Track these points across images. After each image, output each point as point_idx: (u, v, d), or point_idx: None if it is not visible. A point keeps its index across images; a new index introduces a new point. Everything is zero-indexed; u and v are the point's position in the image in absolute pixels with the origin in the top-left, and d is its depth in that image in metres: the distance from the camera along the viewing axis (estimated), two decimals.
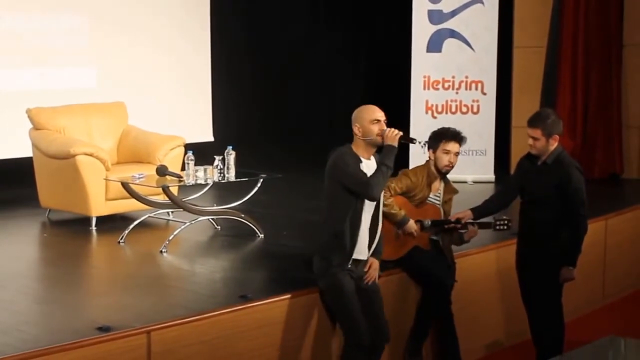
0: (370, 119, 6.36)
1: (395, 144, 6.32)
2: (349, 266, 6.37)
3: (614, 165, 12.01)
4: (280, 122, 13.10)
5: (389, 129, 6.34)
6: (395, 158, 6.34)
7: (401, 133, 6.35)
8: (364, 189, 6.24)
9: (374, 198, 6.32)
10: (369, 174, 6.29)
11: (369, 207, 6.40)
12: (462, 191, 7.69)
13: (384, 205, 6.88)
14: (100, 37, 11.43)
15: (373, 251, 6.54)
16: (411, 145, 11.22)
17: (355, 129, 6.39)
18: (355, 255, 6.39)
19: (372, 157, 6.45)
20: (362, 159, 6.36)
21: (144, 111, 10.79)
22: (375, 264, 6.55)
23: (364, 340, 6.32)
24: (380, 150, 6.42)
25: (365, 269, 6.51)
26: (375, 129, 6.34)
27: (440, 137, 7.13)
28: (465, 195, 8.15)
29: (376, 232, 6.50)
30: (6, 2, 10.70)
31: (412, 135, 11.03)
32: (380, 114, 6.40)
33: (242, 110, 13.08)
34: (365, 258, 6.50)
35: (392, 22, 13.35)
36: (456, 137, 7.12)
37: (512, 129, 11.96)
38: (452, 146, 7.10)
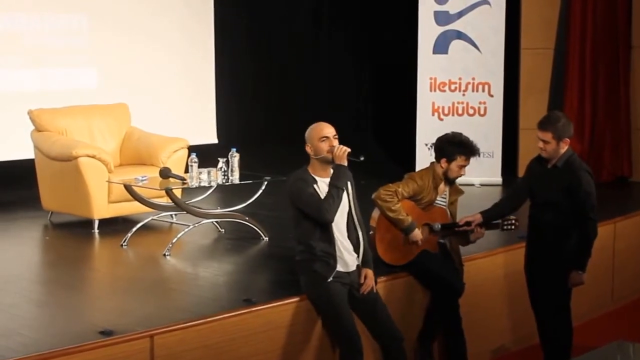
0: (319, 136, 6.37)
1: (345, 162, 6.35)
2: (332, 278, 6.36)
3: (622, 168, 11.94)
4: (284, 123, 13.05)
5: (337, 146, 6.34)
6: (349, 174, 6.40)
7: (349, 150, 6.34)
8: (317, 213, 6.28)
9: (329, 221, 6.32)
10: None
11: (339, 220, 6.42)
12: (469, 194, 7.65)
13: (392, 211, 6.90)
14: (101, 37, 11.39)
15: (363, 261, 6.54)
16: (417, 146, 11.42)
17: (307, 149, 6.43)
18: (340, 268, 6.40)
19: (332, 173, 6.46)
20: (318, 179, 6.39)
21: (147, 112, 10.71)
22: (370, 274, 6.54)
23: (357, 347, 6.27)
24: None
25: (361, 281, 6.50)
26: (324, 146, 6.35)
27: (461, 151, 7.03)
28: (472, 198, 8.18)
29: (359, 242, 6.52)
30: (6, 2, 10.65)
31: (425, 141, 11.18)
32: (328, 131, 6.39)
33: (246, 112, 13.04)
34: (353, 269, 6.50)
35: (398, 23, 13.28)
36: (475, 153, 7.06)
37: (520, 131, 11.95)
38: (468, 161, 7.06)
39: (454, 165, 7.02)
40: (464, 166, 7.05)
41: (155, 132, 9.76)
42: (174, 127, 10.74)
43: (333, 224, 6.37)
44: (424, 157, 11.16)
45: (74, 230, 8.94)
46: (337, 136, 6.39)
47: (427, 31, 11.62)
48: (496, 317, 7.95)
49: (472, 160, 7.15)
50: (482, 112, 11.66)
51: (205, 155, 8.65)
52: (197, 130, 11.93)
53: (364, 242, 6.55)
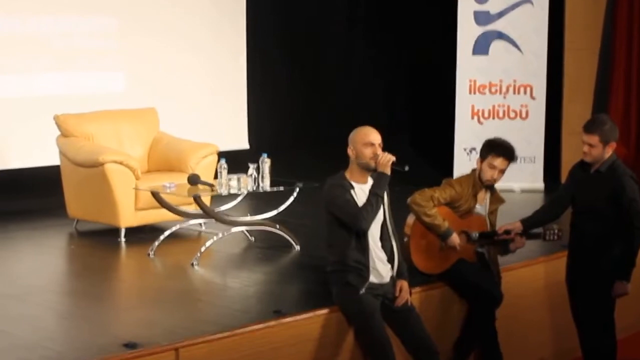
0: (364, 141, 6.29)
1: (388, 171, 6.30)
2: (364, 290, 6.27)
3: None
4: (318, 128, 12.89)
5: (382, 153, 6.27)
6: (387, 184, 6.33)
7: (394, 158, 6.28)
8: (353, 220, 6.20)
9: (364, 229, 6.24)
10: (364, 199, 6.25)
11: (373, 230, 6.34)
12: (509, 200, 7.53)
13: (427, 215, 6.82)
14: (130, 40, 11.27)
15: (397, 273, 6.44)
16: (456, 151, 11.21)
17: (349, 151, 6.35)
18: (373, 279, 6.31)
19: (370, 180, 6.38)
20: (355, 184, 6.31)
21: (177, 117, 10.63)
22: (406, 286, 6.43)
23: None
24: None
25: (396, 293, 6.39)
26: (368, 152, 6.27)
27: (491, 149, 6.94)
28: (512, 204, 8.04)
29: (393, 253, 6.43)
30: (33, 5, 10.54)
31: (464, 145, 11.00)
32: (374, 137, 6.31)
33: (278, 117, 12.91)
34: (387, 280, 6.40)
35: (436, 23, 13.08)
36: (506, 153, 6.92)
37: (563, 135, 11.67)
38: (500, 162, 6.92)
39: (485, 165, 6.93)
40: (496, 167, 6.89)
41: (186, 137, 9.65)
42: (205, 132, 10.64)
43: (367, 236, 6.29)
44: (462, 162, 11.00)
45: (100, 239, 8.84)
46: (382, 145, 6.31)
47: (467, 31, 11.44)
48: (536, 329, 7.79)
49: (513, 165, 7.05)
50: (523, 115, 11.45)
51: (237, 161, 8.59)
52: (228, 135, 11.80)
53: (398, 253, 6.45)
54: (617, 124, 6.99)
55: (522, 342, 7.56)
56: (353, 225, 6.20)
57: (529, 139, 11.22)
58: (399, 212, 6.79)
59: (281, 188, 8.30)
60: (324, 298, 6.48)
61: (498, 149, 6.90)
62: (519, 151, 7.12)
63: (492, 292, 6.91)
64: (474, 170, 7.04)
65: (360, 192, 6.28)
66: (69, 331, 6.37)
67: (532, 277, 7.75)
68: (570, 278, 6.97)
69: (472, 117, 11.44)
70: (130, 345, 5.65)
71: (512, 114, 11.43)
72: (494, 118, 11.41)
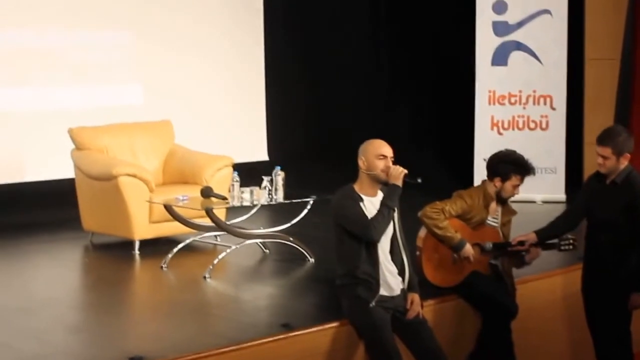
0: (376, 153, 6.29)
1: (400, 183, 6.27)
2: (374, 303, 6.22)
3: None
4: (336, 141, 12.76)
5: (394, 166, 6.27)
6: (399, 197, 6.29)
7: (406, 171, 6.26)
8: (364, 231, 6.18)
9: (375, 240, 6.21)
10: (373, 212, 6.22)
11: (383, 242, 6.32)
12: (530, 211, 7.61)
13: (439, 228, 6.79)
14: (147, 52, 11.29)
15: (409, 285, 6.39)
16: (475, 162, 11.10)
17: (360, 162, 6.33)
18: (384, 292, 6.27)
19: (379, 193, 6.35)
20: (364, 197, 6.29)
21: (196, 129, 10.68)
22: (417, 298, 6.39)
23: None
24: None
25: (407, 306, 6.34)
26: (380, 164, 6.26)
27: (515, 170, 6.89)
28: (534, 215, 8.02)
29: (404, 266, 6.38)
30: (48, 18, 10.59)
31: (484, 156, 10.88)
32: (387, 150, 6.31)
33: (298, 128, 12.87)
34: (398, 293, 6.34)
35: (455, 34, 12.98)
36: (529, 172, 6.93)
37: (585, 145, 11.54)
38: (522, 181, 6.93)
39: (508, 184, 6.89)
40: (519, 186, 6.90)
41: (205, 149, 9.62)
42: (224, 144, 10.61)
43: (377, 248, 6.26)
44: (482, 173, 10.62)
45: (114, 252, 8.82)
46: (394, 159, 6.30)
47: (486, 42, 11.36)
48: (553, 342, 7.69)
49: (534, 176, 7.04)
50: (543, 126, 11.34)
51: (256, 173, 8.53)
52: (248, 147, 11.82)
53: (409, 266, 6.41)
54: (639, 135, 6.90)
55: (538, 354, 7.46)
56: (363, 236, 6.17)
57: (549, 150, 11.15)
58: (412, 225, 6.75)
59: (294, 200, 8.27)
60: (337, 311, 6.42)
61: (522, 170, 6.89)
62: (539, 162, 7.12)
63: (507, 304, 6.85)
64: (484, 182, 7.02)
65: (370, 205, 6.25)
66: (77, 345, 6.36)
67: (548, 289, 7.67)
68: (585, 290, 6.87)
69: (492, 128, 11.36)
70: None
71: (532, 125, 11.33)
72: (513, 129, 11.32)
